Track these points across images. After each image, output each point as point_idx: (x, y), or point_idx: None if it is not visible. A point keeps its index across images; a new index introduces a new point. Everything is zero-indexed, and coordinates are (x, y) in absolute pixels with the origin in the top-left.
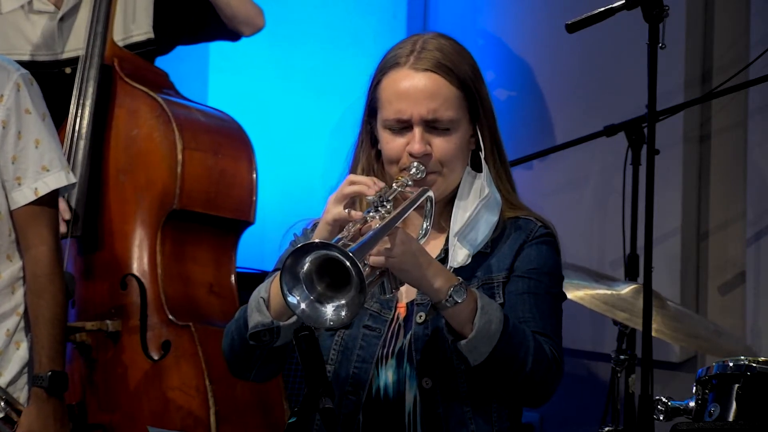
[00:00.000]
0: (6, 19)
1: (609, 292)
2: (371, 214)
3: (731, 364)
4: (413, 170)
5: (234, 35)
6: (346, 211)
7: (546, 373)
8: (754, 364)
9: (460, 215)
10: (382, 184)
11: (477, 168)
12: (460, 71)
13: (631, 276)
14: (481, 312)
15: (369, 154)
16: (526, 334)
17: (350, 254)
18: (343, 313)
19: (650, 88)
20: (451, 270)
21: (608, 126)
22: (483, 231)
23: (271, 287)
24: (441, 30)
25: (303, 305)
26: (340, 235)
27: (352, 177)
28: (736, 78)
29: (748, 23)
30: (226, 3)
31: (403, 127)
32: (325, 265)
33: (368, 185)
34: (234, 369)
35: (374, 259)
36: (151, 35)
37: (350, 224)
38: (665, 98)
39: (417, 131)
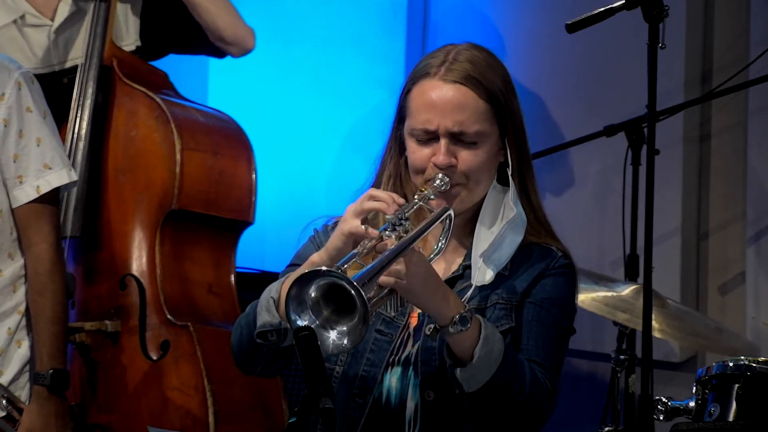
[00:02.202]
0: (0, 34)
1: (609, 293)
2: (387, 232)
3: (731, 364)
4: (437, 182)
5: (220, 52)
6: (363, 227)
7: (539, 406)
8: (754, 364)
9: (483, 235)
10: (402, 201)
11: (504, 181)
12: (491, 84)
13: (631, 276)
14: (483, 342)
15: (397, 161)
16: (524, 365)
17: (356, 285)
18: (345, 341)
19: (650, 88)
20: (475, 288)
21: (608, 126)
22: (507, 251)
23: (282, 288)
24: (440, 30)
25: None
26: (354, 251)
27: (373, 192)
28: (736, 78)
29: (748, 23)
30: (212, 22)
31: (429, 137)
32: (332, 290)
33: (388, 203)
34: (240, 364)
35: (383, 279)
36: (139, 43)
37: (366, 240)
38: (665, 98)
39: (443, 143)
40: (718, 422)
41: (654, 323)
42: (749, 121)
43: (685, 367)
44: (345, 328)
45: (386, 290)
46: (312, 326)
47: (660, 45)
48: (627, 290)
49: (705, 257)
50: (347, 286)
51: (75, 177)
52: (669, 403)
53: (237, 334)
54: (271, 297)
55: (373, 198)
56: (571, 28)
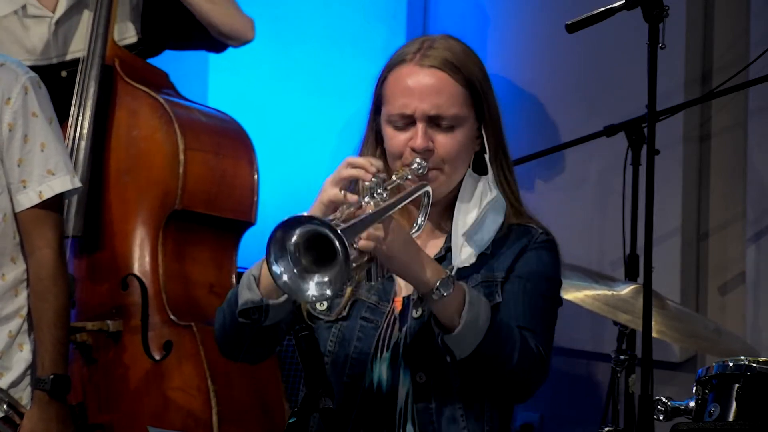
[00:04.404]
0: (0, 25)
1: (609, 292)
2: (366, 199)
3: (731, 364)
4: (415, 165)
5: (218, 47)
6: (342, 193)
7: (531, 370)
8: (754, 364)
9: (462, 217)
10: (379, 164)
11: (479, 170)
12: (467, 70)
13: (631, 276)
14: (469, 306)
15: (374, 152)
16: (513, 330)
17: (338, 231)
18: (327, 290)
19: (650, 88)
20: (455, 269)
21: (608, 126)
22: (488, 231)
23: (263, 265)
24: (440, 30)
25: (285, 276)
26: (332, 216)
27: (350, 159)
28: (736, 78)
29: (748, 23)
30: (208, 19)
31: (407, 123)
32: (313, 241)
33: (366, 168)
34: (224, 348)
35: (363, 243)
36: (139, 35)
37: (344, 206)
38: (665, 98)
39: (420, 127)
40: (718, 422)
41: (653, 324)
42: (749, 121)
43: (685, 367)
44: (326, 278)
45: (366, 258)
46: (289, 273)
47: (660, 45)
48: (627, 290)
49: (705, 257)
50: (329, 233)
51: (78, 184)
52: (669, 403)
53: (219, 319)
54: (252, 275)
55: (350, 165)
56: (571, 28)
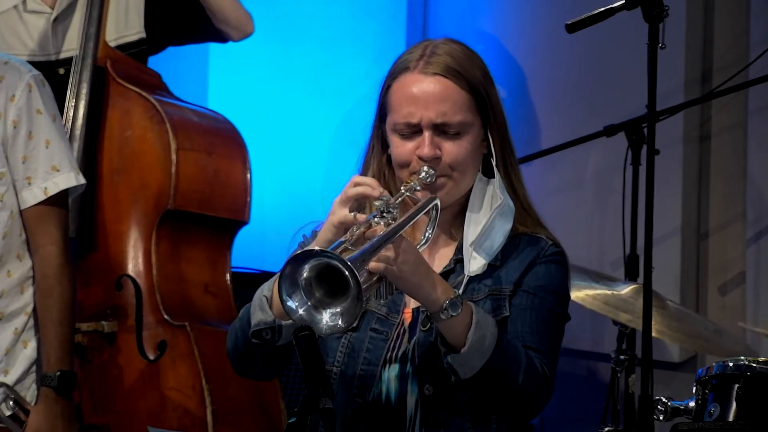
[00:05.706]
0: (0, 19)
1: (609, 292)
2: (376, 219)
3: (731, 364)
4: (423, 174)
5: (222, 38)
6: (352, 214)
7: (536, 391)
8: (754, 364)
9: (473, 226)
10: (384, 191)
11: (488, 173)
12: (471, 75)
13: (631, 276)
14: (476, 327)
15: (380, 159)
16: (519, 350)
17: (350, 264)
18: (340, 321)
19: (650, 88)
20: (466, 278)
21: (608, 126)
22: (498, 239)
23: (274, 285)
24: (440, 30)
25: (301, 311)
26: (343, 238)
27: (356, 178)
28: (736, 78)
29: (748, 23)
30: (219, 8)
31: (413, 131)
32: (325, 272)
33: (372, 186)
34: (237, 367)
35: (374, 265)
36: (143, 35)
37: (354, 227)
38: (665, 98)
39: (427, 135)
40: (718, 422)
41: (653, 324)
42: (749, 121)
43: (685, 367)
44: (339, 309)
45: (375, 278)
46: (304, 307)
47: (660, 45)
48: (627, 290)
49: (705, 257)
50: (341, 266)
51: (83, 180)
52: (669, 403)
53: (232, 338)
54: (264, 296)
55: (356, 184)
56: (571, 28)
